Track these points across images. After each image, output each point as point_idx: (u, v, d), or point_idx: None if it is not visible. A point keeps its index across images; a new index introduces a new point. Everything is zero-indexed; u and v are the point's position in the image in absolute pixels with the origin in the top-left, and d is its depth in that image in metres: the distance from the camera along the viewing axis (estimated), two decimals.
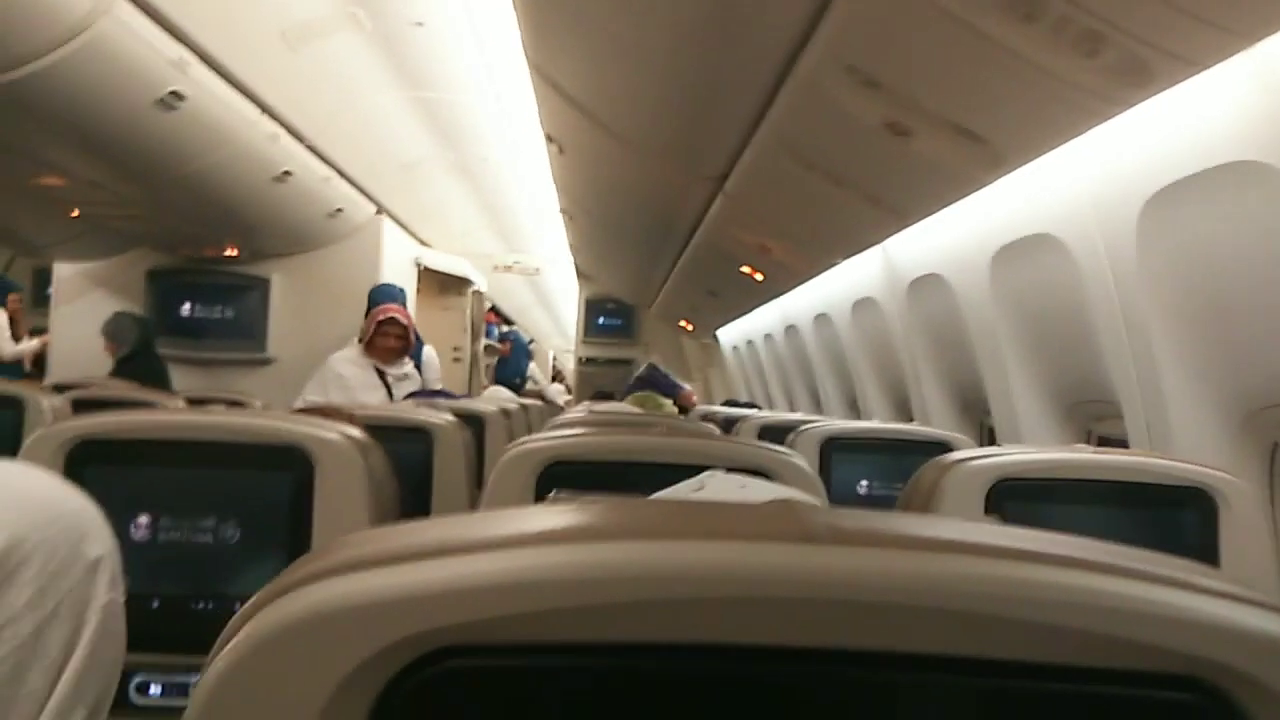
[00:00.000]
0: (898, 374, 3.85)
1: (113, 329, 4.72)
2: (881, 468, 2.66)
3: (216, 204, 4.08)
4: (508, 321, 12.25)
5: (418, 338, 4.33)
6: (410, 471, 2.09)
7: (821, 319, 4.77)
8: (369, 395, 3.58)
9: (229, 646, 0.41)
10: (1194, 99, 1.68)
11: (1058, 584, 0.40)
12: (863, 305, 4.03)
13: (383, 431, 1.69)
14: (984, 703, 0.39)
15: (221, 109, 3.37)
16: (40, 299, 6.59)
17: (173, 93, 3.06)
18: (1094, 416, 2.74)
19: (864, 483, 2.66)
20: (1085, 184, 2.19)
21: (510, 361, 8.79)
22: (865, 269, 3.68)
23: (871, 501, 2.62)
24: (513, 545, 0.41)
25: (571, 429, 1.94)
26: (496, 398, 4.67)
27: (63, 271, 5.74)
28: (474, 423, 2.89)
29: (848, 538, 0.42)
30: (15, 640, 0.62)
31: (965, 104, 1.80)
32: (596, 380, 8.27)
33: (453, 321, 7.60)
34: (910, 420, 3.72)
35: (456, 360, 7.51)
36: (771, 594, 0.39)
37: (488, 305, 8.99)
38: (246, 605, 0.43)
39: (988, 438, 3.45)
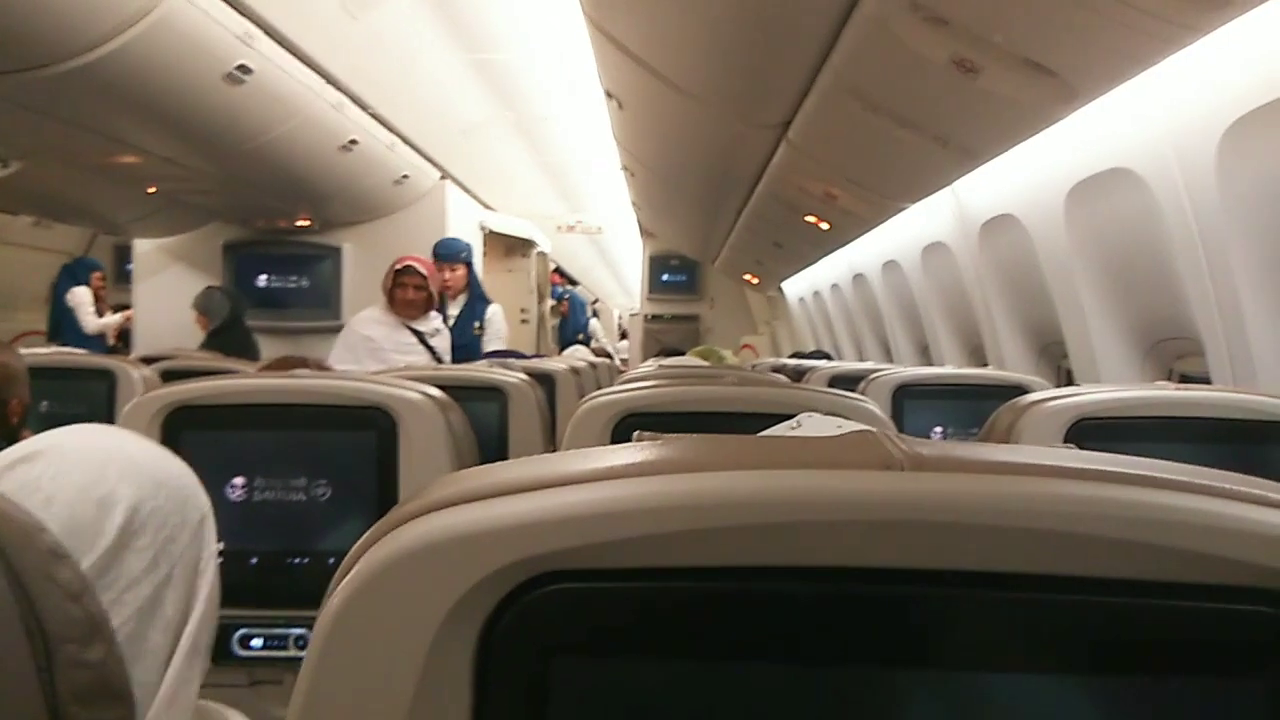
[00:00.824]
0: (970, 320, 3.79)
1: (204, 303, 4.91)
2: (956, 413, 2.63)
3: (286, 175, 4.17)
4: (572, 282, 12.33)
5: (483, 296, 4.29)
6: (486, 429, 2.14)
7: (890, 266, 4.71)
8: (407, 357, 3.39)
9: (348, 577, 0.43)
10: (1272, 21, 1.61)
11: (1131, 501, 0.41)
12: (933, 250, 3.96)
13: (458, 391, 1.74)
14: (1064, 617, 0.40)
15: (287, 80, 3.44)
16: (121, 275, 6.84)
17: (240, 66, 3.13)
18: (1175, 355, 2.67)
19: (938, 429, 2.64)
20: (1161, 115, 2.12)
21: (570, 321, 8.86)
22: (934, 213, 3.61)
23: None
24: (608, 477, 0.43)
25: (643, 382, 1.97)
26: (572, 357, 4.72)
27: (142, 247, 5.94)
28: (545, 381, 2.94)
29: (928, 464, 0.44)
30: (136, 603, 0.67)
31: (1035, 37, 1.75)
32: (663, 337, 8.29)
33: (518, 283, 7.68)
34: (984, 366, 3.67)
35: (524, 322, 7.59)
36: (855, 518, 0.40)
37: (552, 267, 9.05)
38: (362, 539, 0.45)
39: (1065, 381, 3.39)
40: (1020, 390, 2.47)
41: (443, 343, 3.64)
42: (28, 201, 5.17)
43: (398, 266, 3.52)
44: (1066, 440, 1.51)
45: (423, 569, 0.42)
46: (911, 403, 2.62)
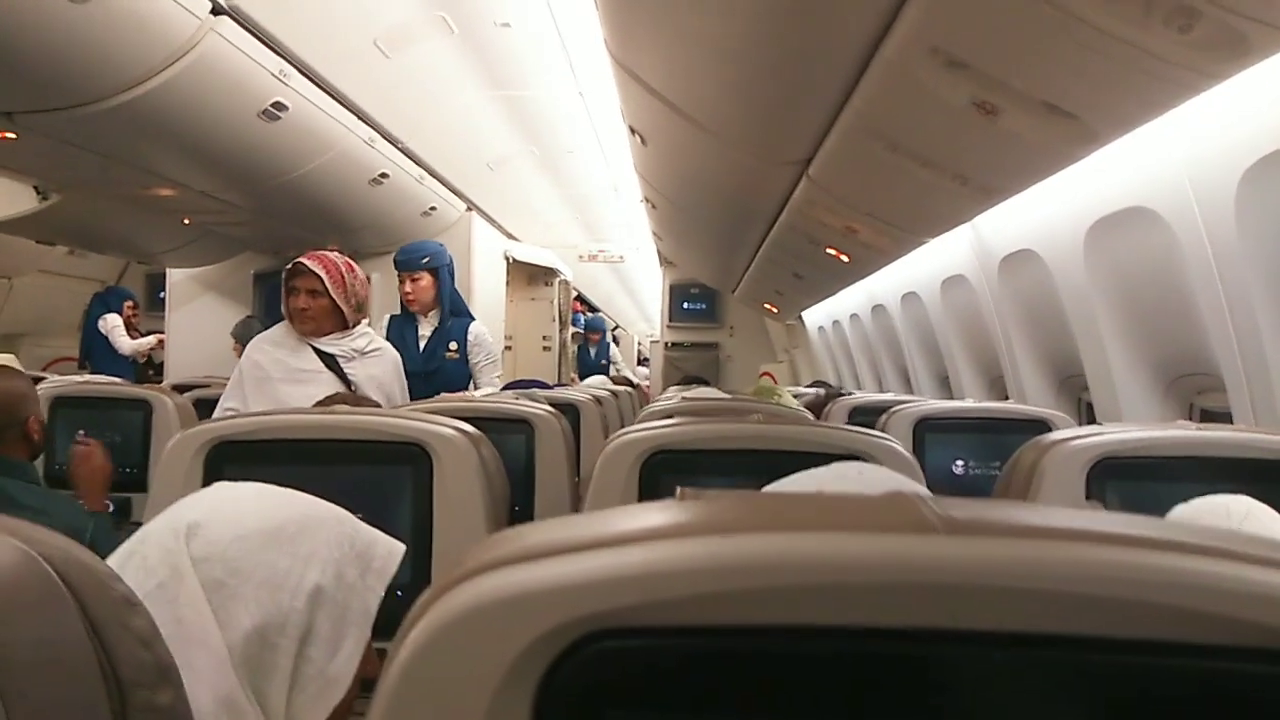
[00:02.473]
0: (990, 352, 3.80)
1: (242, 331, 5.04)
2: (978, 447, 2.65)
3: (318, 207, 4.25)
4: (593, 309, 12.38)
5: (461, 311, 3.61)
6: (513, 461, 2.18)
7: (910, 298, 4.72)
8: (303, 389, 2.50)
9: (414, 632, 0.46)
10: None
11: (1156, 566, 0.43)
12: (952, 283, 3.98)
13: (485, 423, 1.77)
14: (1094, 677, 0.42)
15: (321, 117, 3.52)
16: (152, 303, 6.96)
17: (276, 103, 3.21)
18: (1196, 390, 2.68)
19: (959, 463, 2.65)
20: (1181, 155, 2.14)
21: (594, 351, 8.90)
22: (954, 246, 3.64)
23: (968, 482, 2.62)
24: (655, 537, 0.46)
25: (669, 419, 2.00)
26: (594, 386, 4.74)
27: (175, 277, 6.05)
28: (569, 411, 2.97)
29: (961, 527, 0.46)
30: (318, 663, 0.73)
31: (1054, 82, 1.78)
32: (683, 365, 8.32)
33: (541, 311, 7.74)
34: (1005, 399, 3.67)
35: (546, 349, 7.64)
36: (893, 580, 0.43)
37: (574, 294, 9.11)
38: (424, 595, 0.48)
39: (1087, 414, 3.39)
40: (1042, 425, 2.49)
41: (379, 369, 2.72)
42: (65, 232, 5.30)
43: (288, 265, 2.66)
44: (1089, 478, 1.53)
45: (480, 629, 0.44)
46: (933, 436, 2.64)
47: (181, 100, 2.96)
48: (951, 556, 0.44)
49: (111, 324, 6.11)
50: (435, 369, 3.47)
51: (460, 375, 3.55)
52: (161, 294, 6.44)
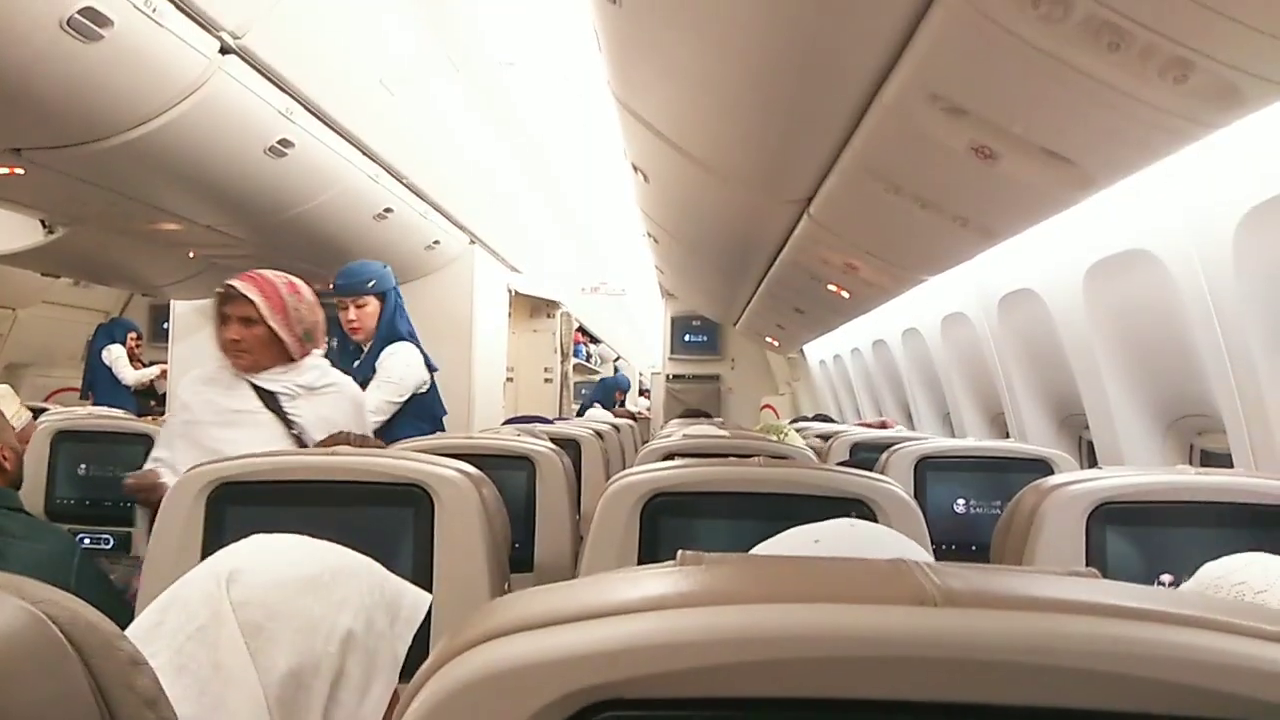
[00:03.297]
0: (991, 389, 3.81)
1: None
2: (979, 486, 2.65)
3: (323, 242, 4.27)
4: (594, 341, 12.40)
5: (394, 334, 3.16)
6: (514, 498, 2.18)
7: (911, 334, 4.74)
8: (232, 434, 2.17)
9: (417, 701, 0.46)
10: None
11: (1155, 640, 0.44)
12: (953, 320, 4.00)
13: (486, 460, 1.78)
14: None
15: (327, 154, 3.55)
16: (157, 334, 6.99)
17: (282, 141, 3.24)
18: (1196, 431, 2.68)
19: (960, 501, 2.65)
20: (1179, 199, 2.17)
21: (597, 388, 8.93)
22: (955, 285, 3.66)
23: (969, 521, 2.62)
24: (659, 607, 0.47)
25: (670, 460, 2.00)
26: (593, 420, 4.74)
27: (179, 308, 6.07)
28: (569, 447, 2.97)
29: (960, 599, 0.47)
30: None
31: (1052, 129, 1.81)
32: (684, 397, 8.33)
33: (543, 343, 7.76)
34: (1006, 436, 3.67)
35: (548, 381, 7.66)
36: (892, 654, 0.44)
37: (576, 326, 9.14)
38: (427, 663, 0.49)
39: (1088, 453, 3.39)
40: (1043, 465, 2.50)
41: (331, 408, 2.32)
42: (70, 265, 5.32)
43: (218, 289, 2.32)
44: (1090, 522, 1.53)
45: (484, 699, 0.44)
46: (934, 474, 2.64)
47: (189, 137, 2.98)
48: (949, 630, 0.44)
49: (115, 355, 6.13)
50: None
51: (399, 418, 3.08)
52: (165, 325, 6.46)
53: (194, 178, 3.33)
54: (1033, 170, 1.96)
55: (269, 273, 2.34)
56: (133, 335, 6.33)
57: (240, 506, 1.51)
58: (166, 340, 6.35)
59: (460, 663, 0.46)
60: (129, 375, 6.13)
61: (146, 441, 2.90)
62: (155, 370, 6.30)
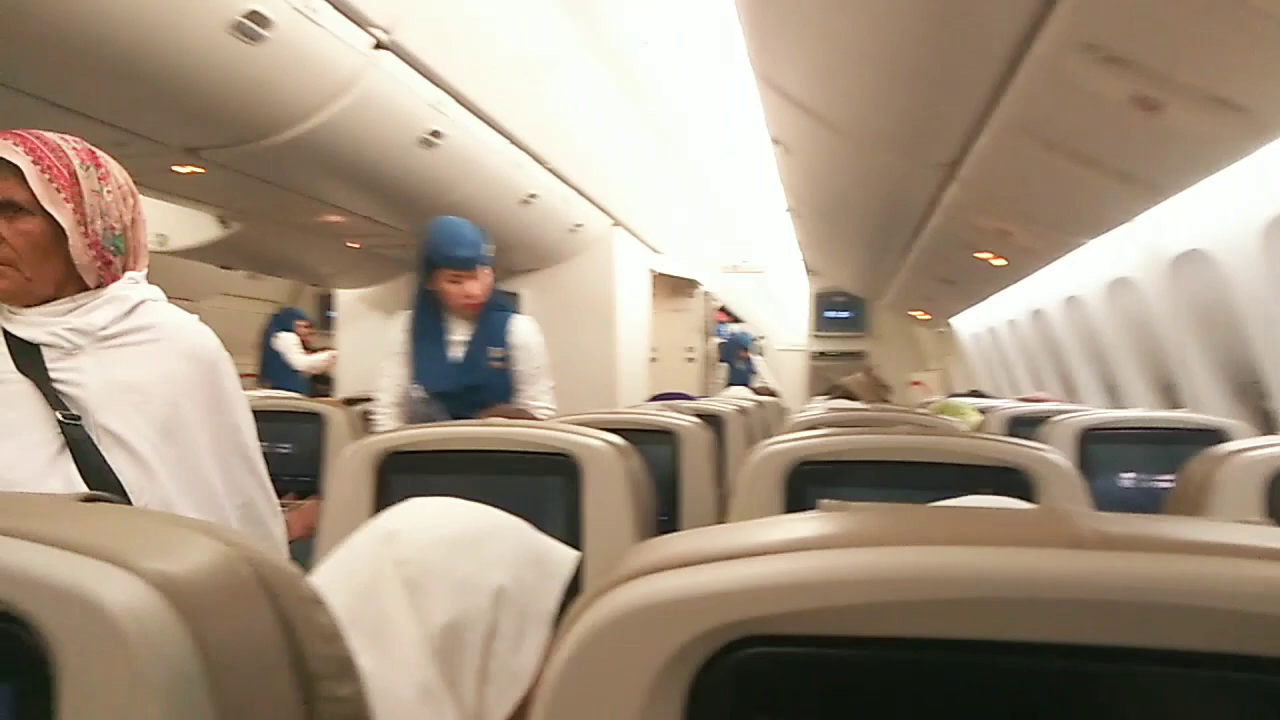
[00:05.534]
0: (1161, 357, 3.59)
1: None
2: (1147, 459, 2.50)
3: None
4: (735, 320, 12.34)
5: (503, 304, 2.77)
6: (658, 472, 2.20)
7: (1072, 302, 4.52)
8: None
9: (571, 634, 0.48)
10: None
11: None
12: (1118, 285, 3.79)
13: (631, 434, 1.80)
14: (1245, 694, 0.42)
15: (474, 143, 3.67)
16: (323, 322, 7.41)
17: (433, 132, 3.37)
18: None
19: (1128, 475, 2.51)
20: None
21: (746, 364, 8.88)
22: (1118, 247, 3.46)
23: (1137, 495, 2.48)
24: (804, 548, 0.47)
25: (815, 430, 1.98)
26: (736, 397, 4.74)
27: (344, 297, 6.42)
28: (713, 423, 2.98)
29: (1116, 542, 0.45)
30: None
31: (1221, 73, 1.69)
32: (829, 374, 8.21)
33: (684, 322, 7.78)
34: (1178, 407, 3.46)
35: (690, 360, 7.69)
36: (1038, 595, 0.43)
37: (716, 305, 9.12)
38: (581, 598, 0.51)
39: (1265, 423, 3.15)
40: (1218, 435, 2.33)
41: (137, 370, 1.33)
42: (244, 258, 5.70)
43: None
44: (1269, 491, 1.43)
45: (634, 631, 0.46)
46: (1098, 447, 2.51)
47: (347, 132, 3.13)
48: (1103, 571, 0.43)
49: (287, 342, 6.51)
50: (480, 383, 2.64)
51: (505, 391, 2.69)
52: (331, 313, 6.84)
53: (351, 170, 3.51)
54: (1200, 119, 1.83)
55: (52, 134, 1.32)
56: (302, 323, 6.70)
57: (405, 474, 1.60)
58: (332, 328, 6.72)
59: (610, 598, 0.48)
60: (300, 361, 6.49)
61: (318, 419, 3.08)
62: (324, 356, 6.66)
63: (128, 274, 1.39)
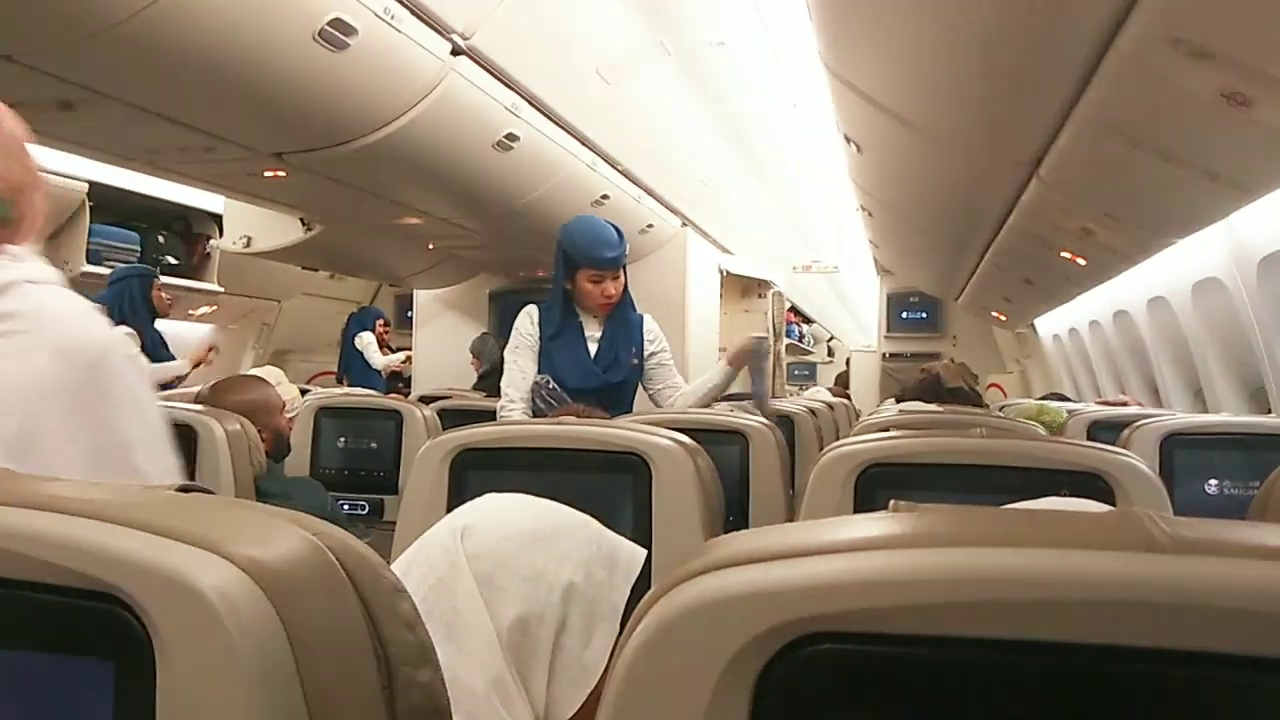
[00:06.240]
0: (1250, 361, 3.46)
1: (478, 347, 5.45)
2: (1235, 465, 2.42)
3: (546, 231, 4.44)
4: (807, 321, 12.24)
5: (634, 303, 2.84)
6: (728, 473, 2.20)
7: (1157, 303, 4.38)
8: None
9: (640, 627, 0.49)
10: None
11: None
12: (1204, 286, 3.66)
13: (701, 435, 1.81)
14: None
15: (549, 145, 3.71)
16: (402, 321, 7.57)
17: (509, 135, 3.42)
18: None
19: (1213, 482, 2.43)
20: None
21: None
22: (1206, 247, 3.34)
23: (1223, 503, 2.40)
24: (874, 547, 0.47)
25: (885, 432, 1.96)
26: (810, 398, 4.69)
27: (421, 298, 6.55)
28: (783, 424, 2.96)
29: (1192, 546, 0.44)
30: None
31: None
32: (901, 376, 8.07)
33: (754, 323, 7.74)
34: (1268, 413, 3.33)
35: None
36: (1111, 597, 0.42)
37: (787, 305, 9.06)
38: (651, 592, 0.52)
39: None
40: None
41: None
42: (326, 259, 5.86)
43: None
44: None
45: (702, 626, 0.47)
46: (1182, 453, 2.43)
47: (426, 136, 3.20)
48: (1178, 576, 0.43)
49: (366, 341, 6.67)
50: (621, 380, 2.73)
51: (635, 387, 2.82)
52: (409, 313, 6.99)
53: (430, 174, 3.58)
54: None
55: None
56: (381, 322, 6.86)
57: (479, 470, 1.63)
58: (411, 327, 6.87)
59: (679, 592, 0.49)
60: (378, 360, 6.65)
61: (396, 417, 3.17)
62: (401, 356, 6.80)
63: (6, 248, 1.05)
